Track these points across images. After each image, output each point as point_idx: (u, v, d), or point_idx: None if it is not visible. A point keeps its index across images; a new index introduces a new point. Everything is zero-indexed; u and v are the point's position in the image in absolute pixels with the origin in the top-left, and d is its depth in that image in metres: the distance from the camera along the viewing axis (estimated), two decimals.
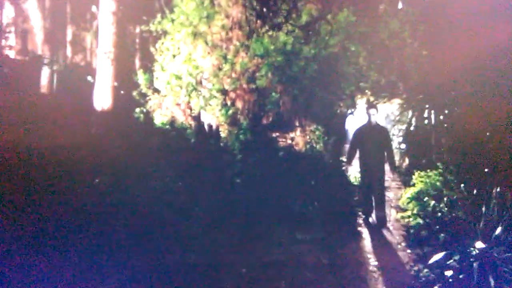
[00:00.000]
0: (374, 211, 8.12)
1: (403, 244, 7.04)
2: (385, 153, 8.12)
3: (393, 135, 12.52)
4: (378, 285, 5.64)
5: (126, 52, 10.18)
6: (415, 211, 7.94)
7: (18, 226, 4.96)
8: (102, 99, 9.30)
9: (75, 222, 5.34)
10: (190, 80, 8.96)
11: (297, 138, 9.90)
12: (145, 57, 10.94)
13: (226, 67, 8.79)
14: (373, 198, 8.18)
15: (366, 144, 8.16)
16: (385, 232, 7.56)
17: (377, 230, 7.74)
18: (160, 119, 9.35)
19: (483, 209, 5.78)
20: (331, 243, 6.86)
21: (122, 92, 9.62)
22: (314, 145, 9.87)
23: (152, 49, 9.62)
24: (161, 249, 5.59)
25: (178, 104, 9.28)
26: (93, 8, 14.82)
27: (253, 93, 8.98)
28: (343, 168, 10.08)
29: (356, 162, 8.56)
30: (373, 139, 8.10)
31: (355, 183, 9.84)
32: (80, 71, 14.18)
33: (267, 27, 9.04)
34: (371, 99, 12.12)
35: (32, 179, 5.91)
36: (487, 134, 8.06)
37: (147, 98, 9.50)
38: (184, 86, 9.02)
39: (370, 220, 8.20)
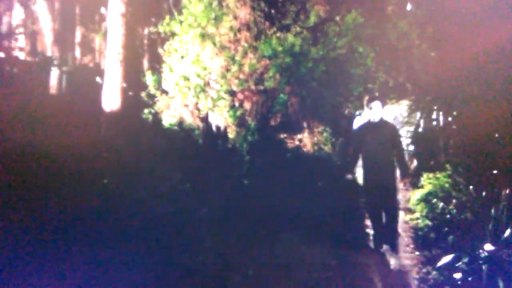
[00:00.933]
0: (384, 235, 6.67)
1: (411, 246, 7.01)
2: (395, 155, 6.64)
3: (401, 136, 12.48)
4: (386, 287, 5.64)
5: (135, 53, 10.23)
6: (423, 213, 7.91)
7: (25, 226, 4.99)
8: (111, 100, 9.34)
9: (83, 223, 5.37)
10: (198, 81, 8.98)
11: (305, 140, 9.89)
12: (154, 59, 11.00)
13: (234, 68, 8.81)
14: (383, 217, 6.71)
15: (369, 146, 6.63)
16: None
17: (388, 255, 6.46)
18: (168, 120, 9.38)
19: (492, 211, 5.75)
20: (338, 245, 6.84)
21: (130, 93, 9.65)
22: (322, 146, 9.86)
23: (160, 50, 9.66)
24: (168, 250, 5.60)
25: (186, 105, 9.30)
26: (102, 10, 14.91)
27: (261, 94, 8.99)
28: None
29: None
30: (378, 140, 6.56)
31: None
32: (89, 72, 14.26)
33: (275, 29, 9.05)
34: None
35: (40, 179, 5.94)
36: (496, 135, 8.02)
37: (156, 99, 9.54)
38: (192, 87, 9.04)
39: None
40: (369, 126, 6.76)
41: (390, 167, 6.63)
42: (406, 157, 11.62)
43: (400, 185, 10.48)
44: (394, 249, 6.56)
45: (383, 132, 6.63)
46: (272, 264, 5.93)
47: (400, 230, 7.65)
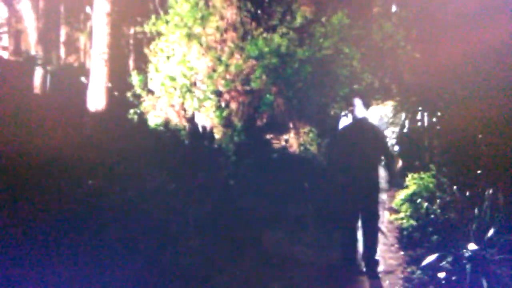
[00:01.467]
0: (361, 255, 6.01)
1: (396, 246, 7.06)
2: (382, 163, 6.03)
3: (387, 136, 12.59)
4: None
5: (120, 53, 10.17)
6: (408, 213, 7.97)
7: (10, 227, 4.94)
8: (96, 100, 9.29)
9: (67, 224, 5.33)
10: (184, 82, 8.95)
11: (291, 140, 9.91)
12: (139, 58, 10.95)
13: (221, 68, 8.79)
14: (360, 235, 6.00)
15: (351, 149, 5.80)
16: (378, 234, 7.55)
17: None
18: (154, 120, 9.33)
19: (476, 211, 5.82)
20: (325, 245, 6.87)
21: (116, 93, 9.60)
22: (308, 147, 9.89)
23: (146, 50, 9.61)
24: (154, 251, 5.58)
25: (172, 106, 9.26)
26: (87, 9, 14.82)
27: (248, 94, 8.98)
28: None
29: None
30: (361, 143, 5.75)
31: None
32: (73, 71, 14.15)
33: (261, 29, 9.04)
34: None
35: (24, 180, 5.88)
36: (480, 136, 8.11)
37: (141, 99, 9.48)
38: (179, 88, 9.00)
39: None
40: (353, 127, 5.96)
41: (373, 172, 5.82)
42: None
43: (385, 186, 10.56)
44: (372, 271, 5.83)
45: (368, 135, 5.78)
46: (259, 264, 5.94)
47: (385, 230, 7.71)
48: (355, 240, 5.97)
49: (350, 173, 5.78)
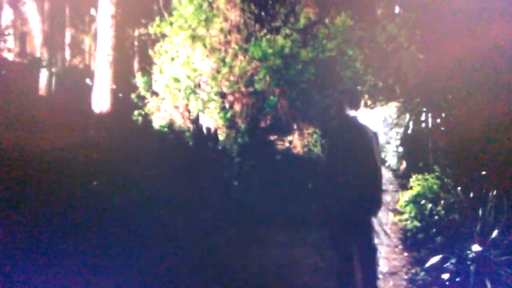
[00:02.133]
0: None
1: (400, 247, 7.05)
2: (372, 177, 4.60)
3: (391, 138, 12.58)
4: None
5: (125, 55, 10.21)
6: (412, 214, 7.95)
7: (14, 228, 4.97)
8: (101, 101, 9.32)
9: (72, 224, 5.35)
10: (188, 83, 8.98)
11: (295, 141, 9.91)
12: (144, 60, 10.97)
13: (225, 70, 8.81)
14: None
15: (341, 154, 4.75)
16: (382, 235, 7.56)
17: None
18: (158, 122, 9.37)
19: (480, 212, 5.81)
20: (328, 247, 6.86)
21: (120, 94, 9.64)
22: (312, 148, 9.89)
23: (150, 52, 9.65)
24: (158, 252, 5.60)
25: (176, 107, 9.29)
26: (92, 11, 14.89)
27: (251, 96, 9.00)
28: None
29: None
30: (350, 154, 4.67)
31: None
32: (78, 73, 14.21)
33: (265, 31, 9.07)
34: (368, 102, 12.17)
35: (29, 181, 5.91)
36: (484, 137, 8.10)
37: (146, 101, 9.52)
38: (183, 89, 9.04)
39: None
40: (343, 130, 4.92)
41: (365, 191, 4.64)
42: (395, 159, 11.79)
43: (390, 187, 10.55)
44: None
45: (358, 143, 4.72)
46: (262, 266, 5.94)
47: (388, 231, 7.70)
48: (351, 267, 4.82)
49: (341, 177, 4.77)
